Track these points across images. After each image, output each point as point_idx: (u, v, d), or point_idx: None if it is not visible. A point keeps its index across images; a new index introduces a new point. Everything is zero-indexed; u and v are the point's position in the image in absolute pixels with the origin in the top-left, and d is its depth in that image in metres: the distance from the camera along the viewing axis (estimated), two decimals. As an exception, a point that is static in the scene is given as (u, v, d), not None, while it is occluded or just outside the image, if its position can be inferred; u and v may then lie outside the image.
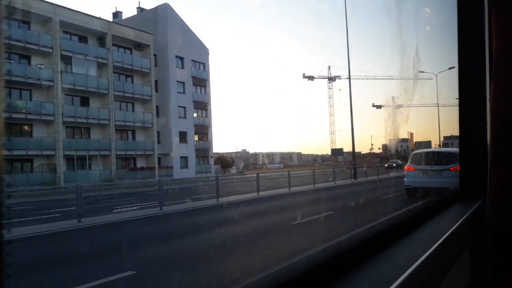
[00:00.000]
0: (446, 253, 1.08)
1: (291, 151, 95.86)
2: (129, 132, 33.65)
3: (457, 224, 1.19)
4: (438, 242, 0.99)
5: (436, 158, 11.59)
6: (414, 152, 14.05)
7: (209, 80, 40.75)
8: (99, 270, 5.74)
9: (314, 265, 0.68)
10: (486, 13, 1.47)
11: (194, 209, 12.91)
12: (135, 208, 13.15)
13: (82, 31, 30.28)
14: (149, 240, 8.05)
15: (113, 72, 31.80)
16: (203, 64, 40.48)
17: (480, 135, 1.48)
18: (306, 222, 9.83)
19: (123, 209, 12.55)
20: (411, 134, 49.11)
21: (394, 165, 36.40)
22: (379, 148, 53.24)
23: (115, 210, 12.46)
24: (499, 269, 1.28)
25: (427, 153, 12.99)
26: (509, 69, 1.22)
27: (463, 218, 1.28)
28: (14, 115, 24.33)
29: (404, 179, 12.12)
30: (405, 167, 12.29)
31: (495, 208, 1.28)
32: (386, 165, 36.46)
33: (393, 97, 47.11)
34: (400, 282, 0.71)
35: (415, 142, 43.79)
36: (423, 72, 37.74)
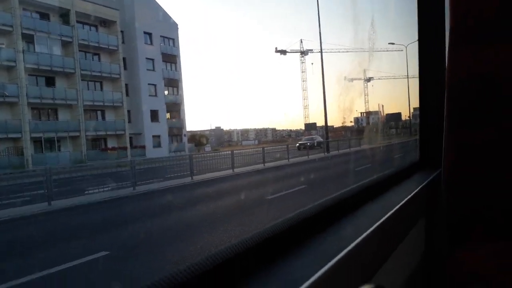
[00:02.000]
0: (398, 223, 1.09)
1: (265, 127, 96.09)
2: (99, 112, 32.79)
3: (411, 195, 1.21)
4: (390, 213, 0.99)
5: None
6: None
7: (180, 56, 39.91)
8: (72, 251, 5.69)
9: (261, 241, 0.68)
10: None
11: (168, 188, 12.86)
12: (107, 189, 12.96)
13: (44, 8, 28.86)
14: (122, 221, 7.99)
15: (79, 51, 30.63)
16: (173, 39, 39.50)
17: (438, 106, 1.49)
18: (280, 196, 9.99)
19: (95, 191, 12.36)
20: (382, 106, 50.03)
21: (309, 144, 26.29)
22: (351, 121, 54.01)
23: (87, 192, 12.26)
24: (454, 238, 1.31)
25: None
26: (464, 40, 1.24)
27: (418, 189, 1.30)
28: (-26, 98, 23.28)
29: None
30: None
31: (449, 178, 1.30)
32: (297, 145, 28.25)
33: (364, 70, 47.56)
34: (346, 252, 0.72)
35: (386, 114, 44.66)
36: (393, 44, 38.13)
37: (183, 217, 8.12)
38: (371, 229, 0.86)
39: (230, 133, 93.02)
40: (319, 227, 0.85)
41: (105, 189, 12.63)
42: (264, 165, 18.57)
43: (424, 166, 1.75)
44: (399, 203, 1.10)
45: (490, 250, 1.25)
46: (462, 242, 1.30)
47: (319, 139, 31.16)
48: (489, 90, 1.21)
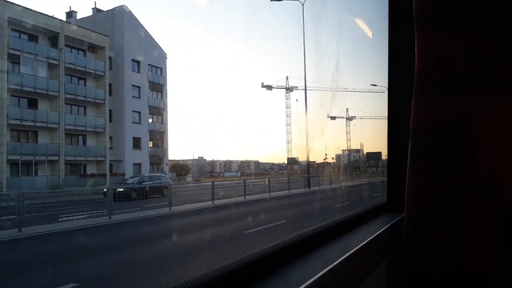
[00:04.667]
0: (355, 266, 1.07)
1: (248, 159, 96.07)
2: (80, 137, 32.32)
3: (372, 237, 1.20)
4: (345, 256, 0.98)
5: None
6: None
7: (166, 86, 40.11)
8: (40, 282, 5.46)
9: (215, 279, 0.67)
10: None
11: (144, 218, 12.55)
12: (82, 216, 12.61)
13: (33, 30, 28.88)
14: (94, 251, 7.74)
15: (65, 74, 30.49)
16: (161, 69, 39.80)
17: (403, 151, 1.53)
18: (259, 230, 9.88)
19: (70, 218, 12.02)
20: (361, 144, 50.78)
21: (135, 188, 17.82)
22: (332, 158, 54.54)
23: (61, 219, 11.91)
24: (412, 285, 1.29)
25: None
26: (428, 87, 1.25)
27: (380, 231, 1.30)
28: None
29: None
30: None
31: (408, 224, 1.29)
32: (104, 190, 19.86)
33: (347, 109, 48.55)
34: None
35: (366, 152, 45.29)
36: (375, 85, 39.26)
37: (155, 249, 7.91)
38: (322, 272, 0.84)
39: (212, 163, 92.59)
40: (266, 271, 0.82)
41: (79, 216, 12.30)
42: (245, 197, 18.43)
43: (390, 209, 1.76)
44: (358, 245, 1.09)
45: None
46: None
47: (164, 178, 24.12)
48: (452, 139, 1.20)
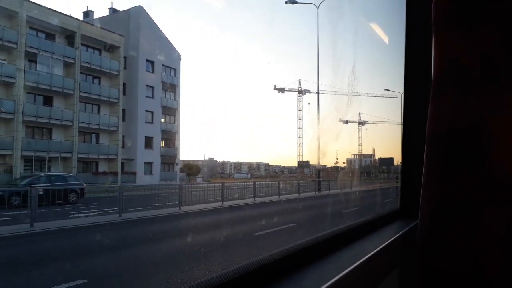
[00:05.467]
0: (368, 273, 1.07)
1: (259, 161, 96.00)
2: (93, 135, 32.70)
3: (385, 244, 1.19)
4: (358, 262, 0.98)
5: None
6: None
7: (180, 86, 40.38)
8: (51, 277, 5.52)
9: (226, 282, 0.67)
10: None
11: (155, 217, 12.64)
12: (93, 214, 12.75)
13: (50, 29, 29.34)
14: (103, 249, 7.80)
15: (80, 73, 30.90)
16: (174, 69, 40.10)
17: (419, 155, 1.49)
18: (267, 233, 9.86)
19: (81, 215, 12.14)
20: (374, 150, 50.41)
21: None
22: (344, 163, 54.21)
23: (72, 215, 12.03)
24: None
25: None
26: (445, 92, 1.24)
27: (393, 238, 1.29)
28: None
29: None
30: None
31: (423, 230, 1.28)
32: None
33: (359, 114, 48.27)
34: None
35: (378, 158, 44.93)
36: (388, 90, 38.92)
37: (165, 248, 7.94)
38: (335, 279, 0.84)
39: (223, 165, 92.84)
40: (277, 277, 0.82)
41: (90, 214, 12.41)
42: (254, 199, 18.42)
43: (403, 215, 1.74)
44: (371, 252, 1.08)
45: None
46: None
47: (73, 179, 19.56)
48: (469, 143, 1.18)
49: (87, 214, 12.65)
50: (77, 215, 12.40)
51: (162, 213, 13.48)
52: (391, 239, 1.28)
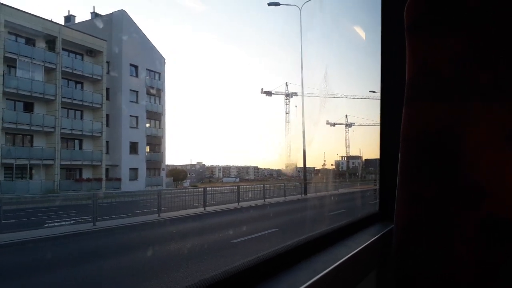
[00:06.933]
0: (342, 277, 1.09)
1: (248, 165, 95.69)
2: (76, 141, 32.15)
3: (363, 246, 1.23)
4: (331, 267, 1.00)
5: None
6: None
7: (165, 90, 39.96)
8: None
9: None
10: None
11: (130, 226, 12.18)
12: (69, 222, 12.36)
13: (30, 34, 28.81)
14: (69, 260, 7.46)
15: (62, 78, 30.40)
16: (159, 73, 39.69)
17: (395, 158, 1.50)
18: (247, 240, 9.63)
19: (56, 224, 11.78)
20: (361, 151, 50.62)
21: None
22: (332, 165, 54.24)
23: (47, 225, 11.66)
24: None
25: None
26: (417, 95, 1.25)
27: (371, 240, 1.32)
28: None
29: None
30: None
31: (399, 232, 1.29)
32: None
33: (346, 116, 48.39)
34: None
35: (365, 159, 45.03)
36: (374, 92, 39.15)
37: (134, 260, 7.62)
38: (307, 283, 0.86)
39: (211, 169, 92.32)
40: (252, 282, 0.83)
41: (65, 222, 12.05)
42: (238, 204, 18.17)
43: (383, 218, 1.75)
44: (346, 255, 1.11)
45: None
46: None
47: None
48: (441, 147, 1.20)
49: (64, 223, 12.31)
50: (52, 224, 12.04)
51: (139, 221, 13.08)
52: (368, 242, 1.31)
